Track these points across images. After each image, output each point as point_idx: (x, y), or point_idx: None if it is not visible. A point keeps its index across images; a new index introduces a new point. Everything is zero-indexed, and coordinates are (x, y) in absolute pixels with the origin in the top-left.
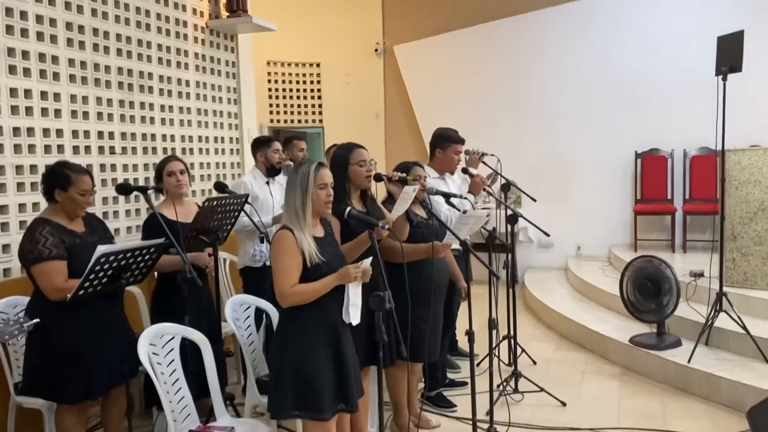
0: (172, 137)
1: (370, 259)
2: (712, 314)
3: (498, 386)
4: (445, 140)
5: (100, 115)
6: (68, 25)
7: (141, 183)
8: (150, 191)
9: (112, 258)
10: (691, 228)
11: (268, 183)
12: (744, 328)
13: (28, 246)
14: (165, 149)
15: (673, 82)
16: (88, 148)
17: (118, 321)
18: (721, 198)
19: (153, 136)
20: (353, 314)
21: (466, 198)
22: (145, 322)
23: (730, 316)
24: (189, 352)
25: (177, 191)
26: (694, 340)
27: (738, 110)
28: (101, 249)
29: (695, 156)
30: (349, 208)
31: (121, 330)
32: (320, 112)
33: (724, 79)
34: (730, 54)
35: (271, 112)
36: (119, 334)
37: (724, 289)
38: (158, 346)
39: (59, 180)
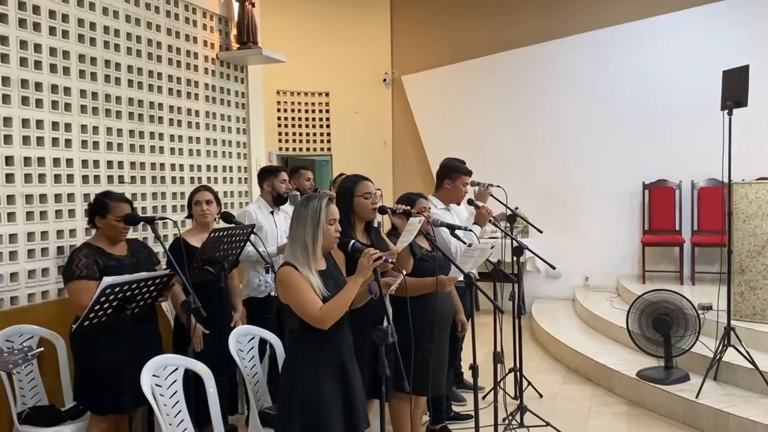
0: (182, 167)
1: (419, 218)
2: (720, 348)
3: (503, 420)
4: (455, 171)
5: (110, 144)
6: (81, 57)
7: (149, 212)
8: (157, 221)
9: (117, 289)
10: (699, 260)
11: (272, 213)
12: (753, 363)
13: (66, 266)
14: (173, 178)
15: (682, 114)
16: (97, 178)
17: (152, 341)
18: (728, 231)
19: (162, 165)
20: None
21: (471, 230)
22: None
23: (739, 351)
24: (194, 380)
25: (201, 220)
26: (702, 374)
27: (746, 143)
28: (107, 280)
29: (703, 187)
30: (352, 241)
31: (154, 349)
32: (329, 141)
33: (730, 114)
34: (735, 88)
35: (280, 141)
36: (151, 353)
37: (733, 323)
38: (162, 377)
39: (98, 207)
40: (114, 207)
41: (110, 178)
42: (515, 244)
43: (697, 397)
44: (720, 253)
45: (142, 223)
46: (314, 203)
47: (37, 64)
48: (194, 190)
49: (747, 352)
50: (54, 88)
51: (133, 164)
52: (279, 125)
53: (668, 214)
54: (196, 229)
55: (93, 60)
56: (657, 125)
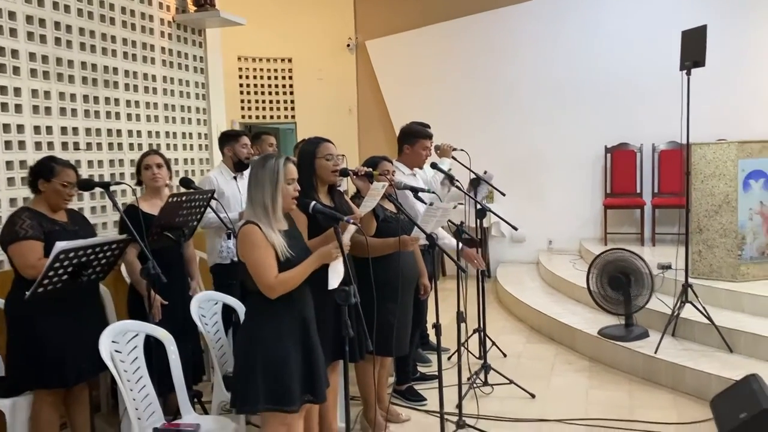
0: (139, 133)
1: (355, 226)
2: (678, 305)
3: (468, 379)
4: (413, 136)
5: (63, 110)
6: (29, 19)
7: (107, 179)
8: (112, 187)
9: (72, 254)
10: (659, 221)
11: (235, 178)
12: (709, 318)
13: (6, 229)
14: (131, 145)
15: (643, 77)
16: (51, 144)
17: (95, 314)
18: (686, 191)
19: (119, 131)
20: (333, 283)
21: (434, 192)
22: (111, 320)
23: (696, 307)
24: (156, 348)
25: (152, 184)
26: (661, 331)
27: (706, 104)
28: (60, 245)
29: (663, 150)
30: (314, 203)
31: (97, 322)
32: (293, 108)
33: (688, 74)
34: (693, 48)
35: (242, 108)
36: (95, 326)
37: (690, 280)
38: (121, 343)
39: (43, 171)
40: (60, 171)
41: (64, 145)
42: (478, 206)
43: (655, 352)
44: (679, 215)
45: (92, 192)
46: (271, 163)
47: None
48: (143, 154)
49: (704, 308)
50: (0, 51)
51: (88, 130)
52: (241, 92)
53: (630, 177)
54: (147, 195)
55: (42, 22)
56: (619, 89)
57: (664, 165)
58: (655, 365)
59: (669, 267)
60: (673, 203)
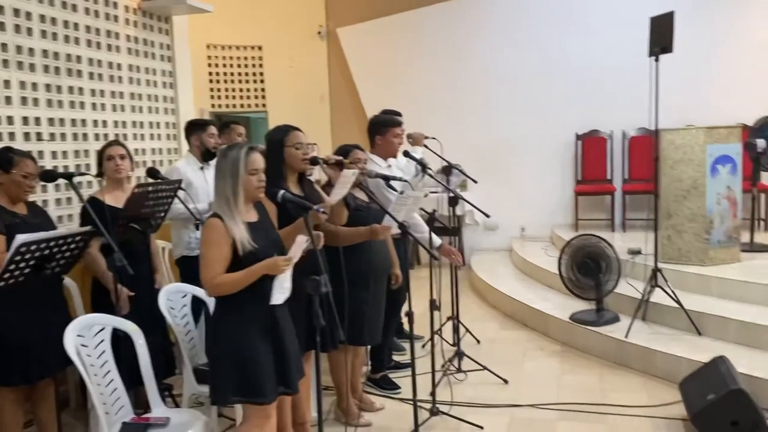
0: (104, 123)
1: (305, 238)
2: (648, 290)
3: (441, 366)
4: (382, 125)
5: (24, 99)
6: None
7: (72, 170)
8: (76, 178)
9: (33, 247)
10: (630, 207)
11: (202, 168)
12: (678, 302)
13: None
14: (97, 135)
15: (613, 64)
16: (12, 135)
17: (58, 308)
18: (655, 177)
19: (84, 121)
20: (277, 298)
21: (407, 181)
22: (78, 313)
23: (665, 291)
24: (124, 342)
25: (115, 176)
26: (632, 315)
27: (674, 91)
28: (20, 238)
29: (634, 137)
30: (282, 192)
31: (60, 317)
32: (264, 97)
33: (657, 60)
34: (661, 35)
35: (212, 97)
36: (59, 320)
37: (660, 265)
38: (87, 337)
39: (1, 162)
40: (19, 162)
41: (27, 135)
42: (451, 194)
43: (626, 336)
44: (649, 201)
45: (55, 183)
46: (233, 154)
47: None
48: (105, 144)
49: (673, 292)
50: None
51: (51, 120)
52: (211, 81)
53: (600, 163)
54: (110, 187)
55: (0, 9)
56: (589, 76)
57: (634, 151)
58: (626, 349)
59: (639, 252)
60: (643, 189)
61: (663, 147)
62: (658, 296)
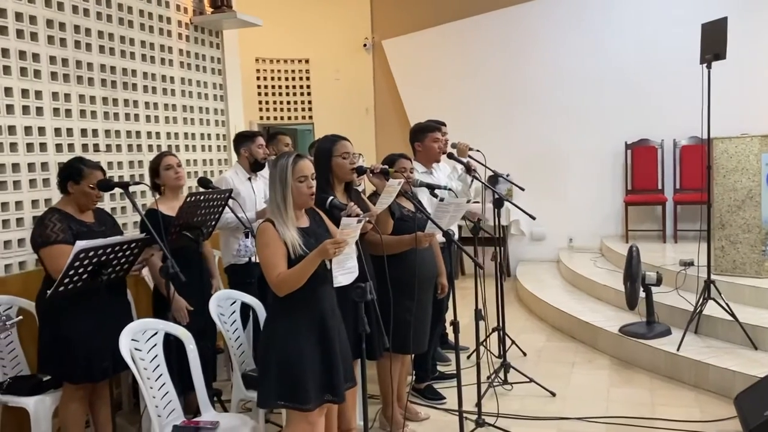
0: (158, 134)
1: (352, 219)
2: (700, 302)
3: (487, 378)
4: (420, 132)
5: (83, 112)
6: (49, 23)
7: (126, 180)
8: (131, 187)
9: (91, 253)
10: (681, 218)
11: (250, 179)
12: (732, 314)
13: (37, 231)
14: (150, 146)
15: (663, 72)
16: (71, 146)
17: (122, 311)
18: (708, 186)
19: (138, 133)
20: (340, 280)
21: (450, 189)
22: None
23: (719, 304)
24: (176, 347)
25: (177, 183)
26: (683, 328)
27: (727, 98)
28: (80, 244)
29: (685, 145)
30: (330, 198)
31: (124, 320)
32: (310, 109)
33: (709, 67)
34: (714, 41)
35: (260, 110)
36: (122, 323)
37: (713, 276)
38: (141, 341)
39: (73, 173)
40: (89, 173)
41: (85, 147)
42: (496, 196)
43: (678, 349)
44: (701, 211)
45: (111, 192)
46: (281, 162)
47: (3, 30)
48: (157, 156)
49: (727, 305)
50: (22, 55)
51: (107, 132)
52: (259, 93)
53: (651, 173)
54: (167, 197)
55: (62, 25)
56: (638, 84)
57: (686, 160)
58: (678, 363)
59: (691, 264)
60: (695, 199)
61: (716, 156)
62: (711, 309)
